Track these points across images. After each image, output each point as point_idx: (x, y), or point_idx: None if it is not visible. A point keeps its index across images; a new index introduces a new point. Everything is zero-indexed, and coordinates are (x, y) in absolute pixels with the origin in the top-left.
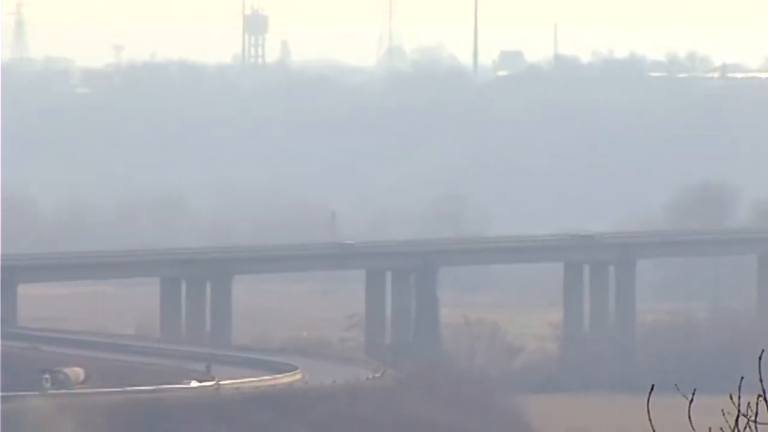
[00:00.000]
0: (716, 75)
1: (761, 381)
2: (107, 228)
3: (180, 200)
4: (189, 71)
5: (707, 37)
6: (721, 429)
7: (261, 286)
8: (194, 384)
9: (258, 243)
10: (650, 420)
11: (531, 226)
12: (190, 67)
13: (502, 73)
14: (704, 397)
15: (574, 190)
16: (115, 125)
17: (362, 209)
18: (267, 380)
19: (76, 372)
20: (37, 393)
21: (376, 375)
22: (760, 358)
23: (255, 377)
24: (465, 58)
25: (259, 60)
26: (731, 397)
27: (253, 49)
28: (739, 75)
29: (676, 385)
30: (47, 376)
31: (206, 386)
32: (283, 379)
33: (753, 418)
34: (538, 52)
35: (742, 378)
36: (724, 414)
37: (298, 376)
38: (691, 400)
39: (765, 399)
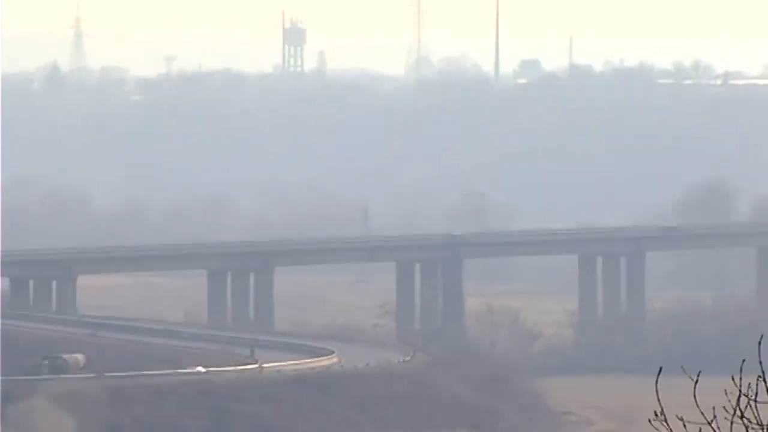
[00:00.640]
0: (719, 82)
1: (761, 363)
2: (159, 223)
3: (225, 198)
4: (233, 80)
5: (711, 47)
6: (724, 407)
7: (300, 277)
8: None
9: (297, 237)
10: (659, 399)
11: (549, 220)
12: (234, 76)
13: (521, 80)
14: (708, 378)
15: (588, 188)
16: (166, 129)
17: (393, 206)
18: (306, 363)
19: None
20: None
21: (407, 358)
22: (759, 342)
23: (295, 360)
24: (487, 67)
25: (298, 69)
26: (733, 378)
27: (292, 59)
28: (740, 82)
29: (682, 367)
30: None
31: (250, 368)
32: (321, 362)
33: (753, 397)
34: (554, 61)
35: (744, 360)
36: (726, 394)
37: (334, 360)
38: (696, 381)
39: (764, 380)
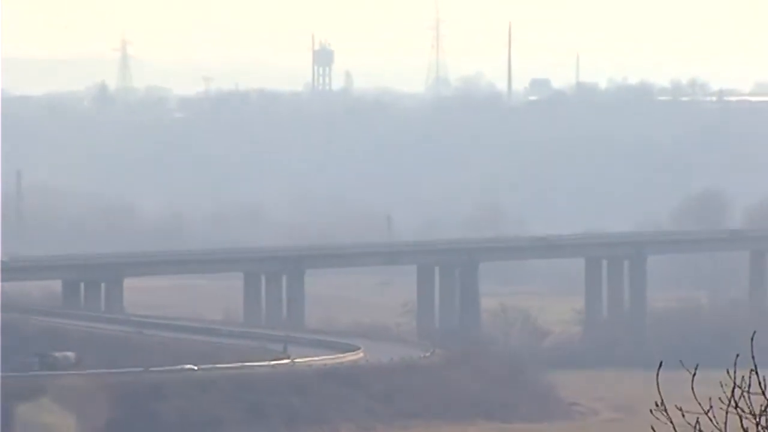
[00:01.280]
0: (714, 99)
1: (753, 357)
2: (199, 231)
3: (260, 207)
4: (267, 98)
5: (706, 67)
6: (720, 398)
7: (329, 279)
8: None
9: (326, 243)
10: (659, 391)
11: (558, 227)
12: (268, 95)
13: (532, 97)
14: (705, 371)
15: (594, 196)
16: (206, 144)
17: (414, 213)
18: (334, 358)
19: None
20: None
21: (427, 354)
22: (752, 338)
23: (324, 356)
24: (500, 85)
25: (327, 88)
26: (728, 372)
27: (321, 79)
28: (734, 98)
29: (681, 361)
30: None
31: (283, 363)
32: (348, 357)
33: (747, 389)
34: (562, 80)
35: (738, 355)
36: (722, 385)
37: (360, 355)
38: (694, 374)
39: (756, 373)
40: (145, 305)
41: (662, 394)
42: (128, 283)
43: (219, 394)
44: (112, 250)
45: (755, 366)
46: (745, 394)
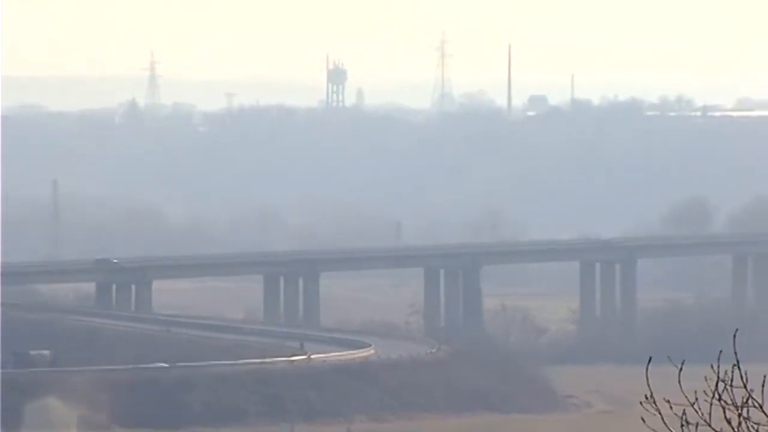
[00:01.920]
0: (699, 114)
1: (735, 353)
2: (221, 236)
3: (278, 214)
4: (285, 113)
5: (692, 85)
6: (704, 391)
7: (342, 281)
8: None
9: (339, 247)
10: (648, 384)
11: (554, 232)
12: (286, 110)
13: (530, 113)
14: (691, 366)
15: (587, 204)
16: (227, 156)
17: (421, 220)
18: (347, 354)
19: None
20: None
21: (433, 350)
22: (734, 335)
23: (338, 352)
24: (501, 101)
25: (340, 104)
26: (712, 366)
27: (335, 95)
28: (717, 114)
29: (668, 356)
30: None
31: (300, 359)
32: (360, 353)
33: (729, 383)
34: (558, 97)
35: (721, 351)
36: (706, 380)
37: (371, 351)
38: (681, 369)
39: (739, 368)
40: (172, 305)
41: (651, 388)
42: (156, 284)
43: (241, 388)
44: (141, 255)
45: (737, 361)
46: (728, 387)
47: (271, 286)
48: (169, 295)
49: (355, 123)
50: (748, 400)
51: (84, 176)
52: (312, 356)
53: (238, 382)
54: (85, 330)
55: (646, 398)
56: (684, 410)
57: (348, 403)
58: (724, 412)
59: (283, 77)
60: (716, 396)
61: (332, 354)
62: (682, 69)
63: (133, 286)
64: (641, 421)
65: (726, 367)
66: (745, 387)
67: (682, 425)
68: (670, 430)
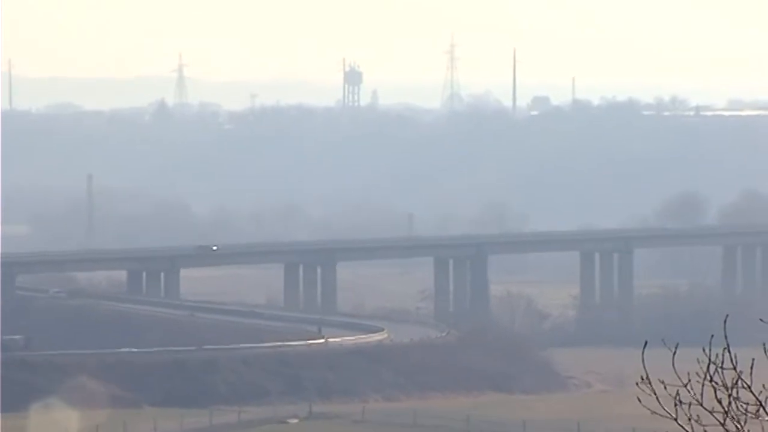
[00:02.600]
0: (692, 113)
1: (726, 337)
2: (245, 227)
3: (298, 205)
4: (304, 112)
5: (685, 86)
6: (696, 373)
7: (358, 269)
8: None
9: (355, 237)
10: (644, 366)
11: (556, 224)
12: (305, 109)
13: (534, 112)
14: (684, 349)
15: (587, 197)
16: (251, 152)
17: (432, 212)
18: (362, 338)
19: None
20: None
21: (443, 334)
22: (725, 320)
23: (353, 336)
24: (506, 102)
25: (356, 104)
26: (704, 350)
27: (351, 96)
28: (709, 113)
29: (663, 340)
30: None
31: (318, 342)
32: (374, 337)
33: (720, 365)
34: (560, 98)
35: (712, 335)
36: (698, 362)
37: (385, 335)
38: (675, 352)
39: (729, 350)
40: (198, 292)
41: (647, 369)
42: (184, 272)
43: (263, 369)
44: (170, 244)
45: (728, 345)
46: (719, 369)
47: (291, 274)
48: (195, 282)
49: (370, 122)
50: (737, 381)
51: (116, 171)
52: (329, 339)
53: (260, 363)
54: (116, 315)
55: (642, 379)
56: (678, 391)
57: (363, 384)
58: (715, 392)
59: (302, 79)
60: (708, 377)
61: (348, 337)
62: (676, 71)
63: (162, 274)
64: (637, 401)
65: (717, 350)
66: (734, 369)
67: (675, 405)
68: (664, 409)
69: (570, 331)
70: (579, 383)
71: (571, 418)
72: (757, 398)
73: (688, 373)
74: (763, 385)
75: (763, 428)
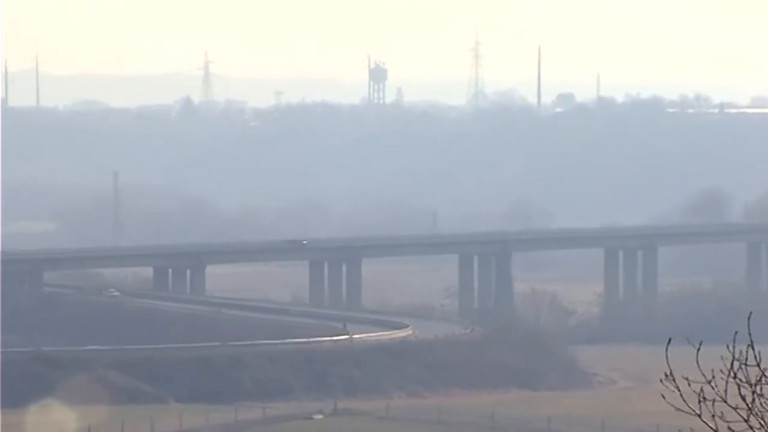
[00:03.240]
0: (716, 111)
1: (750, 334)
2: (270, 224)
3: (323, 203)
4: (329, 109)
5: (710, 83)
6: (720, 370)
7: (383, 266)
8: (114, 292)
9: (380, 234)
10: (668, 363)
11: (580, 221)
12: (330, 107)
13: (558, 109)
14: (708, 346)
15: (612, 194)
16: (276, 149)
17: (456, 209)
18: (387, 334)
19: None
20: None
21: (467, 331)
22: (749, 317)
23: (378, 332)
24: (531, 99)
25: (381, 101)
26: (728, 347)
27: (376, 93)
28: (733, 110)
29: (687, 337)
30: None
31: (343, 339)
32: (399, 333)
33: (744, 362)
34: (585, 95)
35: (736, 332)
36: (722, 359)
37: (409, 332)
38: (699, 349)
39: (753, 347)
40: (224, 289)
41: (671, 366)
42: (209, 269)
43: (288, 365)
44: (196, 241)
45: (752, 342)
46: (743, 366)
47: (317, 271)
48: (221, 279)
49: (395, 119)
50: (761, 378)
51: (143, 168)
52: (354, 336)
53: (286, 360)
54: (143, 311)
55: (666, 376)
56: (701, 387)
57: (387, 380)
58: (739, 389)
59: (327, 76)
60: (732, 374)
61: (373, 334)
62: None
63: (188, 271)
64: (661, 398)
65: (741, 347)
66: (758, 366)
67: (699, 401)
68: (688, 405)
69: (594, 328)
70: (603, 380)
71: (595, 415)
72: None
73: (712, 370)
74: None
75: None
